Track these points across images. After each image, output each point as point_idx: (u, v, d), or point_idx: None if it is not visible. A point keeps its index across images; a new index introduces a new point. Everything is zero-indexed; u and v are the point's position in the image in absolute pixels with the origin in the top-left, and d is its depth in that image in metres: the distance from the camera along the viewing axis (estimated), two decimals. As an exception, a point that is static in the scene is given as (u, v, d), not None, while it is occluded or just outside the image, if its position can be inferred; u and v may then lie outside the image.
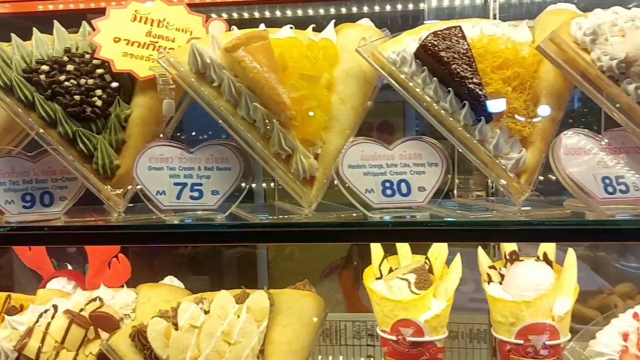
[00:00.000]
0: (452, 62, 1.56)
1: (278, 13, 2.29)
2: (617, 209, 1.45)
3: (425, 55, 1.58)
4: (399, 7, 2.22)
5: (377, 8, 2.22)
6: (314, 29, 1.78)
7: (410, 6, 2.21)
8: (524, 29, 1.72)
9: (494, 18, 2.06)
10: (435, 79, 1.57)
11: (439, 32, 1.58)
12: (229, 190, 1.59)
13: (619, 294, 2.46)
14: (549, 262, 1.77)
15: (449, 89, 1.56)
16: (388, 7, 2.22)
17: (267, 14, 2.42)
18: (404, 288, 1.71)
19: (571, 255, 1.72)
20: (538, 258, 1.79)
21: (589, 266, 2.79)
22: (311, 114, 1.60)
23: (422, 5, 2.18)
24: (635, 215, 1.43)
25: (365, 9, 2.22)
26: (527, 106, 1.58)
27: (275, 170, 1.56)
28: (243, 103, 1.55)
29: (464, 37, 1.59)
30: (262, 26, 1.70)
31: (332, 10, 2.23)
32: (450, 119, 1.56)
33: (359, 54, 1.63)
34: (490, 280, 1.77)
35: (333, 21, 1.79)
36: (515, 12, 2.02)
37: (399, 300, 1.69)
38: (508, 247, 1.83)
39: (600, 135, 1.53)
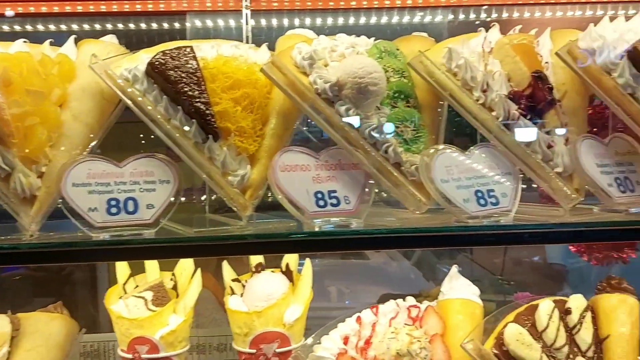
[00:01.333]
0: (179, 81, 1.59)
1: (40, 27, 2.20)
2: (328, 221, 1.56)
3: (154, 73, 1.60)
4: (154, 26, 2.22)
5: (132, 26, 2.21)
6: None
7: (166, 25, 2.23)
8: (264, 51, 1.80)
9: (247, 41, 2.14)
10: (165, 97, 1.60)
11: (167, 51, 1.61)
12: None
13: (432, 297, 2.65)
14: (289, 273, 1.85)
15: (180, 107, 1.59)
16: (143, 26, 2.21)
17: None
18: (140, 306, 1.71)
19: (307, 265, 1.83)
20: (281, 269, 1.88)
21: (421, 272, 2.99)
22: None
23: (177, 25, 2.20)
24: (339, 225, 1.54)
25: (120, 26, 2.19)
26: (254, 125, 1.65)
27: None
28: (-46, 119, 1.46)
29: (194, 57, 1.63)
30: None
31: (86, 27, 2.19)
32: (181, 136, 1.59)
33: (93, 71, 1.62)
34: (233, 293, 1.82)
35: (73, 36, 1.77)
36: (267, 35, 2.11)
37: (134, 318, 1.69)
38: (254, 259, 1.89)
39: (318, 153, 1.63)
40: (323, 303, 2.86)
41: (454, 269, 1.95)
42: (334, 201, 1.59)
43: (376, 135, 1.61)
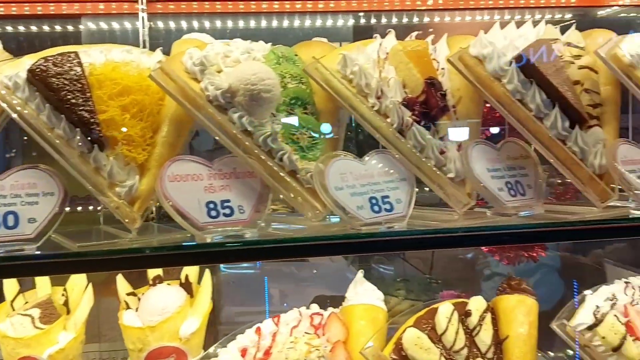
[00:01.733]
0: (62, 89, 1.53)
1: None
2: (224, 231, 1.52)
3: (35, 80, 1.53)
4: (58, 27, 2.12)
5: (34, 28, 2.10)
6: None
7: (71, 28, 2.13)
8: (159, 56, 1.75)
9: (144, 45, 2.08)
10: (48, 105, 1.53)
11: (49, 57, 1.54)
12: None
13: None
14: (188, 285, 1.81)
15: (63, 115, 1.53)
16: (46, 28, 2.11)
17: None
18: (26, 324, 1.63)
19: (207, 276, 1.79)
20: (180, 281, 1.83)
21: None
22: None
23: (81, 27, 2.12)
24: (231, 236, 1.50)
25: (22, 28, 2.08)
26: (144, 133, 1.60)
27: None
28: None
29: (79, 64, 1.57)
30: None
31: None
32: (65, 146, 1.53)
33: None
34: (128, 307, 1.77)
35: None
36: (175, 38, 2.04)
37: (20, 337, 1.61)
38: (152, 271, 1.84)
39: (212, 162, 1.59)
40: (260, 307, 2.83)
41: (359, 274, 1.95)
42: (227, 211, 1.55)
43: (270, 142, 1.59)
